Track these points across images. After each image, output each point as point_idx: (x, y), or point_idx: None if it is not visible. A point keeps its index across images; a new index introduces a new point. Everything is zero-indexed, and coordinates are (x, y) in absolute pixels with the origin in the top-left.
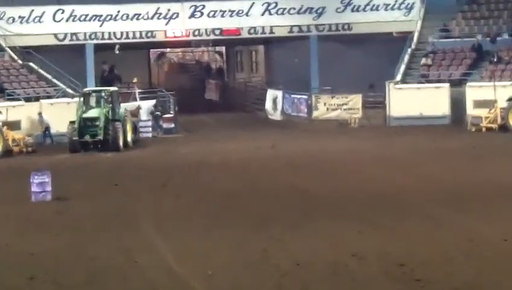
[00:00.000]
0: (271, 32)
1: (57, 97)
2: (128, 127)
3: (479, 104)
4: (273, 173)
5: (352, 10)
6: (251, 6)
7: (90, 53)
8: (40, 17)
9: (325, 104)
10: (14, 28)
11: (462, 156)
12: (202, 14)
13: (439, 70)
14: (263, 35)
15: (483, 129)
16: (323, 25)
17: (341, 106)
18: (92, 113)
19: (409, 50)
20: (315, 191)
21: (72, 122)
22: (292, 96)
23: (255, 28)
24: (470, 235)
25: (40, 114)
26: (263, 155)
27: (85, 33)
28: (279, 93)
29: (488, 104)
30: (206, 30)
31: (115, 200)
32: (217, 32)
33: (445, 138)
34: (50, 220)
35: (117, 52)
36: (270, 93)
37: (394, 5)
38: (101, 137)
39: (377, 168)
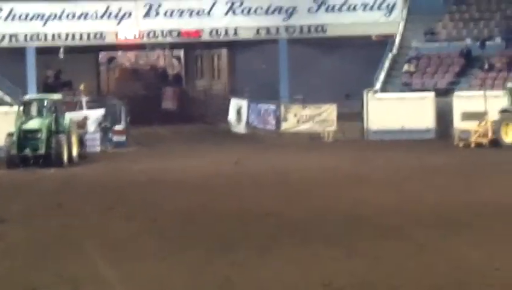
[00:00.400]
0: (235, 34)
1: None
2: (74, 140)
3: (467, 116)
4: (236, 192)
5: (327, 10)
6: (213, 5)
7: (32, 57)
8: None
9: (295, 115)
10: None
11: (448, 174)
12: (158, 13)
13: (423, 78)
14: (226, 38)
15: (472, 144)
16: (294, 26)
17: (313, 118)
18: (33, 124)
19: (390, 55)
20: (283, 213)
21: (10, 134)
22: (258, 106)
23: (217, 29)
24: (457, 263)
25: None
26: (225, 172)
27: (26, 34)
28: (243, 103)
29: (478, 116)
30: (162, 32)
31: (58, 222)
32: (175, 34)
33: (429, 154)
34: None
35: (62, 55)
36: (234, 103)
37: (373, 4)
38: (42, 151)
39: (354, 188)
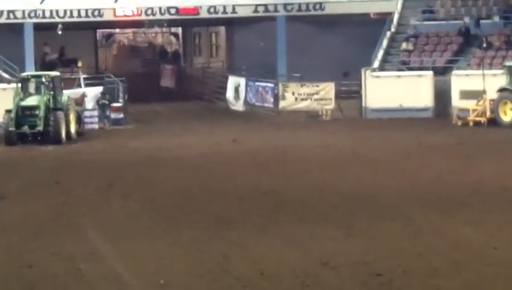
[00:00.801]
0: (233, 11)
1: None
2: (72, 117)
3: (465, 95)
4: (234, 171)
5: None
6: None
7: (30, 33)
8: None
9: (293, 93)
10: None
11: (446, 153)
12: None
13: (421, 57)
14: (224, 15)
15: (471, 123)
16: (292, 4)
17: (311, 96)
18: (31, 101)
19: (388, 33)
20: (282, 191)
21: (8, 111)
22: (256, 84)
23: (215, 6)
24: (455, 243)
25: None
26: (223, 150)
27: (23, 11)
28: (241, 81)
29: (476, 95)
30: (160, 9)
31: (55, 200)
32: (173, 11)
33: (427, 133)
34: None
35: (60, 32)
36: (232, 81)
37: None
38: (40, 128)
39: (352, 166)
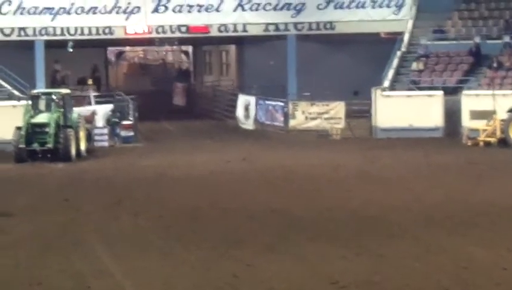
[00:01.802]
0: (244, 30)
1: (2, 100)
2: (82, 135)
3: (476, 115)
4: (244, 189)
5: (336, 7)
6: (222, 1)
7: (40, 50)
8: None
9: (303, 112)
10: None
11: (456, 173)
12: (167, 8)
13: (432, 77)
14: (235, 34)
15: (481, 143)
16: (303, 23)
17: (321, 115)
18: (41, 118)
19: (399, 53)
20: (291, 210)
21: (18, 128)
22: (266, 102)
23: (225, 25)
24: (464, 263)
25: None
26: (233, 169)
27: (34, 28)
28: (252, 99)
29: (487, 115)
30: (170, 27)
31: (64, 217)
32: (183, 29)
33: (437, 153)
34: None
35: (70, 50)
36: (242, 99)
37: (382, 2)
38: (50, 145)
39: (362, 186)
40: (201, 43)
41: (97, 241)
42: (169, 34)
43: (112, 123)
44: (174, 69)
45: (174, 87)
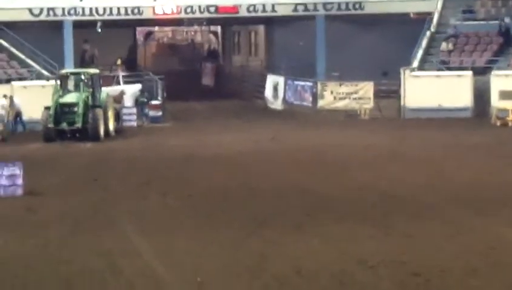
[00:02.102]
0: (273, 10)
1: (31, 79)
2: (110, 115)
3: (505, 95)
4: (272, 169)
5: None
6: None
7: (69, 30)
8: None
9: (332, 92)
10: None
11: (485, 153)
12: None
13: (461, 57)
14: (264, 14)
15: (510, 123)
16: (332, 3)
17: (350, 95)
18: (70, 98)
19: (428, 33)
20: (320, 190)
21: (47, 108)
22: (295, 83)
23: (254, 5)
24: (493, 243)
25: (11, 98)
26: (262, 149)
27: (63, 8)
28: (280, 80)
29: None
30: (199, 7)
31: (93, 197)
32: (212, 9)
33: (466, 133)
34: (20, 218)
35: (99, 30)
36: (271, 79)
37: None
38: (79, 125)
39: (391, 166)
40: (230, 23)
41: (126, 221)
42: (198, 14)
43: (140, 103)
44: (203, 49)
45: (203, 68)
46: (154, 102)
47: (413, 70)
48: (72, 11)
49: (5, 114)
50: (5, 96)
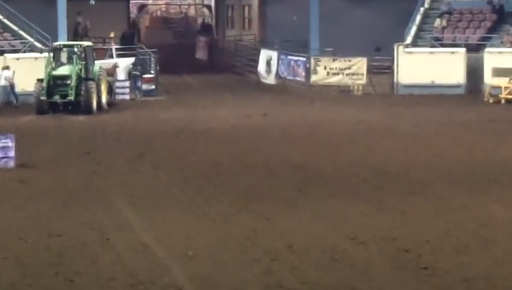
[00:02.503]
0: None
1: (24, 51)
2: (103, 88)
3: (498, 72)
4: (265, 144)
5: None
6: None
7: (63, 2)
8: None
9: (325, 67)
10: None
11: (478, 130)
12: None
13: (454, 33)
14: None
15: (503, 101)
16: None
17: (343, 71)
18: (63, 70)
19: (422, 9)
20: (312, 166)
21: (39, 80)
22: (288, 58)
23: None
24: (484, 220)
25: (7, 68)
26: (254, 124)
27: None
28: (273, 54)
29: (509, 72)
30: None
31: (85, 170)
32: None
33: (459, 110)
34: (12, 190)
35: (92, 2)
36: (264, 54)
37: None
38: (72, 98)
39: (383, 142)
40: None
41: (118, 194)
42: None
43: (133, 76)
44: (196, 23)
45: (196, 41)
46: (147, 75)
47: (406, 46)
48: None
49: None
50: (7, 67)
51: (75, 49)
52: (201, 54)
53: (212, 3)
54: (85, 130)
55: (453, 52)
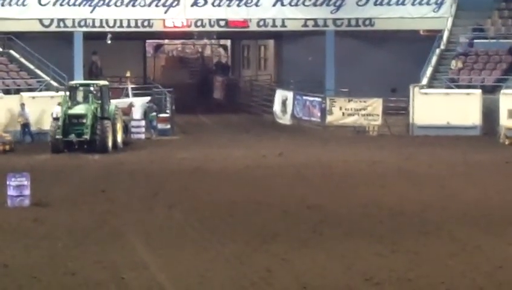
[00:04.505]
0: (283, 25)
1: (40, 90)
2: (119, 127)
3: None
4: (280, 185)
5: (375, 4)
6: None
7: (79, 42)
8: None
9: (340, 108)
10: None
11: (493, 172)
12: (206, 2)
13: (470, 75)
14: (274, 29)
15: None
16: (342, 19)
17: (359, 111)
18: (79, 109)
19: (438, 51)
20: (327, 206)
21: (55, 119)
22: (304, 98)
23: (264, 20)
24: (500, 262)
25: (22, 105)
26: (269, 164)
27: (73, 19)
28: (289, 95)
29: None
30: (209, 20)
31: (100, 208)
32: (222, 23)
33: (475, 151)
34: (27, 229)
35: (109, 42)
36: (280, 94)
37: None
38: (87, 136)
39: (399, 183)
40: (240, 37)
41: (132, 233)
42: (208, 28)
43: (150, 119)
44: (212, 63)
45: (214, 81)
46: (163, 115)
47: (422, 87)
48: (83, 23)
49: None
50: (23, 105)
51: (91, 88)
52: (218, 94)
53: (228, 43)
54: (100, 169)
55: (468, 94)
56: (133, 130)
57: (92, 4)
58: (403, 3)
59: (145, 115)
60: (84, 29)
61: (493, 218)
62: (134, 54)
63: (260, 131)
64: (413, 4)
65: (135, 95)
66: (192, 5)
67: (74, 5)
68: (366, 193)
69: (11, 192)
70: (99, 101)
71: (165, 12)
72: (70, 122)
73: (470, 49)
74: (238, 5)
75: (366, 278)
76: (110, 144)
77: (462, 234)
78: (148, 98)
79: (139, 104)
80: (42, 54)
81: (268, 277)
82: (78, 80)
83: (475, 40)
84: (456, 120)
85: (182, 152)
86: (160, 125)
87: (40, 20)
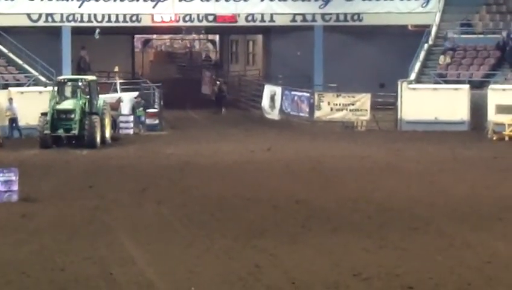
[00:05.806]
0: (271, 20)
1: (28, 85)
2: (107, 122)
3: (502, 109)
4: (268, 179)
5: None
6: None
7: (67, 37)
8: None
9: (329, 103)
10: None
11: (481, 167)
12: None
13: (458, 70)
14: (262, 24)
15: (506, 138)
16: (330, 14)
17: (347, 106)
18: (67, 104)
19: (426, 46)
20: (315, 201)
21: (43, 114)
22: (292, 93)
23: (253, 15)
24: (488, 257)
25: (10, 100)
26: (258, 159)
27: (62, 14)
28: (277, 90)
29: None
30: (198, 15)
31: (88, 204)
32: (211, 18)
33: (462, 146)
34: (15, 224)
35: (97, 37)
36: (268, 89)
37: None
38: (76, 132)
39: (386, 178)
40: (228, 32)
41: (121, 229)
42: (196, 23)
43: (138, 115)
44: (200, 58)
45: (202, 76)
46: (151, 110)
47: (410, 82)
48: (71, 18)
49: None
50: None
51: (80, 83)
52: (206, 89)
53: (217, 38)
54: (88, 164)
55: (456, 89)
56: (121, 125)
57: None
58: None
59: (134, 110)
60: (73, 24)
61: (481, 213)
62: (123, 49)
63: (248, 126)
64: None
65: (123, 90)
66: (180, 0)
67: None
68: (355, 188)
69: None
70: (88, 96)
71: (154, 7)
72: (58, 118)
73: (457, 44)
74: (227, 0)
75: (355, 273)
76: (98, 139)
77: (450, 230)
78: (136, 93)
79: (128, 99)
80: (30, 49)
81: (256, 272)
82: (67, 75)
83: (463, 36)
84: (444, 115)
85: (171, 147)
86: (148, 121)
87: (28, 15)
